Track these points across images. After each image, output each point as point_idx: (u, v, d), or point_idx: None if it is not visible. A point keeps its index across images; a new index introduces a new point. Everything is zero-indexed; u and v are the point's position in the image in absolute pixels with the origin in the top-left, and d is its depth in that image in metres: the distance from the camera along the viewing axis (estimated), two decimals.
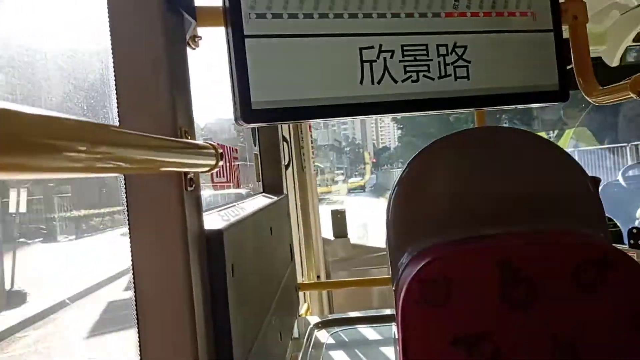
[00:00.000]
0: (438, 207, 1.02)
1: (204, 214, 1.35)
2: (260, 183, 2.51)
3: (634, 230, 2.90)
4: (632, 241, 2.89)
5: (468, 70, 1.32)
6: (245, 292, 1.18)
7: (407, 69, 1.27)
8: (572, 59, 1.52)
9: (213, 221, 1.08)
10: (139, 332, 0.87)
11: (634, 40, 3.53)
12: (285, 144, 2.90)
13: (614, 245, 0.91)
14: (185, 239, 0.86)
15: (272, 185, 2.50)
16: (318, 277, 3.92)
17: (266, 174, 2.52)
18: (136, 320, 0.88)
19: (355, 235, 4.73)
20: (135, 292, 0.87)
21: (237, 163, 1.82)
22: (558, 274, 0.84)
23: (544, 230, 0.95)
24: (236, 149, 1.82)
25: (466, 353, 0.83)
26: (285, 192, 2.58)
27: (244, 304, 1.15)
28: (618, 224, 4.11)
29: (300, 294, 3.58)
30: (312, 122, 2.66)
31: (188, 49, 1.10)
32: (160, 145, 0.72)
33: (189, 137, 0.91)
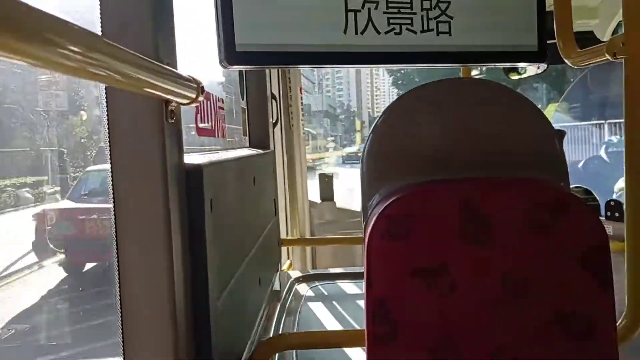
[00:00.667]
0: (408, 154, 1.06)
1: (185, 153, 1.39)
2: (247, 138, 2.54)
3: (611, 203, 2.97)
4: (608, 213, 2.96)
5: (450, 26, 1.35)
6: (223, 229, 1.23)
7: (391, 21, 1.30)
8: (554, 21, 1.55)
9: (194, 159, 1.12)
10: (117, 256, 0.92)
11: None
12: (274, 101, 2.93)
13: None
14: (164, 169, 0.90)
15: (258, 140, 2.54)
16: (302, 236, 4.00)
17: (253, 128, 2.55)
18: (115, 247, 0.92)
19: (342, 200, 4.80)
20: (115, 220, 0.91)
21: (223, 113, 1.84)
22: (513, 215, 0.89)
23: (507, 178, 1.00)
24: (222, 99, 1.84)
25: (424, 284, 0.89)
26: (271, 148, 2.62)
27: (221, 239, 1.20)
28: (597, 197, 4.19)
29: (284, 251, 3.66)
30: (297, 68, 2.64)
31: None
32: (143, 65, 0.75)
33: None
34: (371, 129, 1.12)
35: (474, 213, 0.89)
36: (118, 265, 0.90)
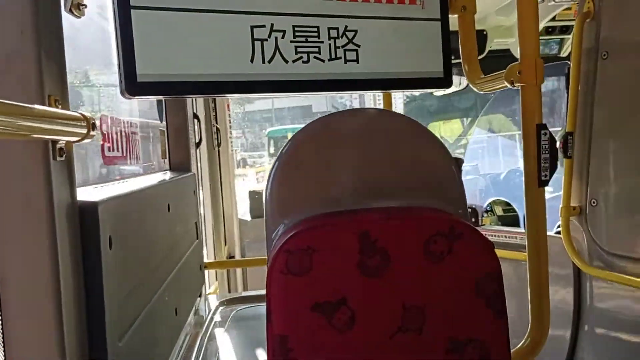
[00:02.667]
0: (311, 184, 1.07)
1: (91, 187, 1.34)
2: (168, 160, 2.49)
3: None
4: None
5: (357, 54, 1.37)
6: (129, 264, 1.18)
7: (298, 49, 1.30)
8: (460, 48, 1.62)
9: (92, 194, 1.08)
10: (1, 315, 0.86)
11: (540, 34, 3.72)
12: (196, 121, 2.88)
13: (468, 221, 1.00)
14: (51, 210, 0.86)
15: (179, 163, 2.48)
16: (232, 256, 3.94)
17: (174, 151, 2.50)
18: None
19: None
20: None
21: (137, 138, 1.79)
22: (410, 245, 0.91)
23: (403, 207, 1.02)
24: (136, 124, 1.79)
25: (324, 318, 0.89)
26: (193, 170, 2.57)
27: (126, 276, 1.16)
28: (516, 209, 4.39)
29: (213, 273, 3.58)
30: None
31: (72, 17, 1.08)
32: (17, 112, 0.72)
33: (60, 106, 0.90)
34: (276, 158, 1.11)
35: (372, 245, 0.90)
36: (1, 318, 0.85)
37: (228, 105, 3.90)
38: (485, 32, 3.74)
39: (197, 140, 2.85)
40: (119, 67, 1.14)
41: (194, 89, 1.22)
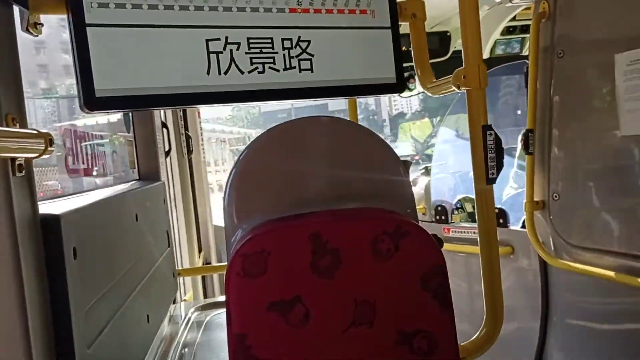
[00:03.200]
0: (268, 190, 1.12)
1: (56, 201, 1.37)
2: (137, 170, 2.51)
3: (496, 210, 3.19)
4: (499, 220, 3.17)
5: (312, 63, 1.42)
6: (95, 274, 1.22)
7: (254, 60, 1.36)
8: (412, 53, 1.68)
9: (55, 207, 1.11)
10: None
11: (501, 34, 3.80)
12: (165, 130, 2.91)
13: (416, 220, 1.06)
14: (12, 224, 0.89)
15: (148, 172, 2.51)
16: (208, 263, 3.96)
17: (142, 160, 2.52)
18: None
19: None
20: None
21: (103, 150, 1.82)
22: (359, 245, 0.97)
23: (352, 208, 1.08)
24: (101, 136, 1.82)
25: (280, 316, 0.94)
26: (162, 179, 2.59)
27: (92, 285, 1.19)
28: None
29: (188, 280, 3.60)
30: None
31: (28, 35, 1.11)
32: None
33: (17, 125, 0.93)
34: (234, 164, 1.16)
35: (323, 246, 0.96)
36: None
37: (199, 113, 3.92)
38: (448, 34, 3.82)
39: (166, 149, 2.88)
40: (77, 83, 1.17)
41: (152, 102, 1.26)
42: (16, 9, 1.03)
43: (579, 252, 2.36)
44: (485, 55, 3.85)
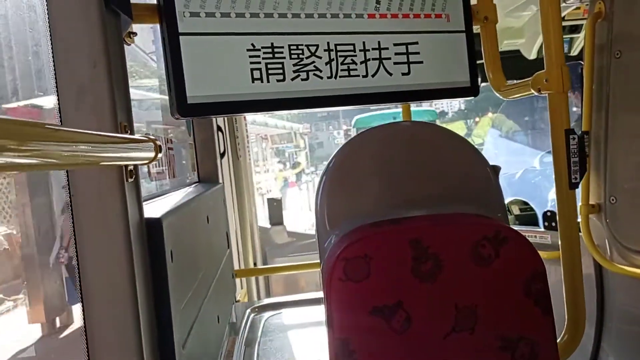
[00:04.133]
0: (361, 194, 1.13)
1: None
2: (196, 172, 2.56)
3: (548, 213, 3.15)
4: (546, 223, 3.13)
5: (388, 67, 1.43)
6: (184, 278, 1.25)
7: (341, 66, 1.37)
8: (483, 56, 1.67)
9: (151, 210, 1.14)
10: (84, 323, 0.93)
11: None
12: (220, 133, 2.96)
13: (508, 225, 1.06)
14: (127, 228, 0.92)
15: (207, 174, 2.55)
16: (255, 264, 4.01)
17: (202, 163, 2.57)
18: (82, 311, 0.93)
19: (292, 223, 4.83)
20: (80, 283, 0.92)
21: (172, 153, 1.86)
22: (459, 250, 0.97)
23: (450, 213, 1.09)
24: (171, 140, 1.86)
25: (383, 320, 0.95)
26: (220, 181, 2.64)
27: (183, 289, 1.22)
28: (534, 208, 4.42)
29: (238, 280, 3.65)
30: (241, 115, 2.66)
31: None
32: (100, 141, 0.79)
33: (129, 132, 0.97)
34: (323, 171, 1.18)
35: (424, 251, 0.96)
36: (85, 326, 0.92)
37: (245, 117, 3.98)
38: None
39: (221, 152, 2.93)
40: (169, 91, 1.21)
41: (239, 107, 1.28)
42: None
43: (637, 257, 2.31)
44: (533, 56, 3.80)
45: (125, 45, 1.18)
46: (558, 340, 1.36)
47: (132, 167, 0.97)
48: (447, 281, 0.96)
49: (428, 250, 0.96)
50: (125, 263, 0.92)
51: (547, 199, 4.48)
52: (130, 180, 0.96)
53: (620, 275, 2.40)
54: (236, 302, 2.73)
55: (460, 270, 0.97)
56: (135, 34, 1.23)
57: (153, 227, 1.04)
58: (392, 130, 1.19)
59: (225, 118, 3.10)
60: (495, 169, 1.16)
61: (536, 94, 1.42)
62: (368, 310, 0.95)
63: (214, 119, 2.72)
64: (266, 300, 3.10)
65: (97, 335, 0.92)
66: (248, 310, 2.65)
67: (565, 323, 1.37)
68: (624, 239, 2.38)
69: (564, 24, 3.67)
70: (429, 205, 1.12)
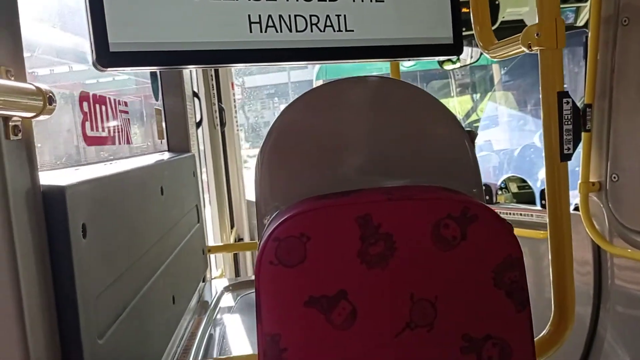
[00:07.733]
0: (307, 162, 0.95)
1: (72, 169, 1.23)
2: (166, 141, 2.38)
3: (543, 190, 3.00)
4: (543, 202, 2.98)
5: (352, 20, 1.23)
6: (108, 257, 1.08)
7: (298, 19, 1.17)
8: (471, 12, 1.48)
9: (63, 177, 0.97)
10: None
11: None
12: (197, 99, 2.77)
13: (480, 201, 0.88)
14: (5, 196, 0.75)
15: (177, 143, 2.38)
16: (241, 239, 3.86)
17: (171, 131, 2.39)
18: None
19: None
20: None
21: (127, 117, 1.68)
22: (418, 230, 0.79)
23: (408, 185, 0.91)
24: (125, 102, 1.67)
25: (321, 313, 0.78)
26: (192, 151, 2.46)
27: (105, 269, 1.06)
28: (531, 186, 4.25)
29: (220, 258, 3.50)
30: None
31: None
32: None
33: (12, 78, 0.78)
34: (267, 132, 0.99)
35: (374, 230, 0.78)
36: None
37: (232, 84, 3.77)
38: (497, 2, 3.57)
39: (197, 120, 2.74)
40: (90, 36, 1.02)
41: (175, 58, 1.09)
42: None
43: (637, 238, 2.19)
44: None
45: None
46: (542, 334, 1.19)
47: (18, 122, 0.79)
48: (401, 267, 0.78)
49: (379, 229, 0.78)
50: (3, 240, 0.75)
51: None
52: (14, 137, 0.78)
53: (619, 257, 2.30)
54: (206, 280, 2.58)
55: (417, 254, 0.79)
56: None
57: (53, 198, 0.86)
58: (348, 86, 1.00)
59: (202, 84, 2.91)
60: (471, 135, 0.98)
61: (527, 51, 1.23)
62: (303, 301, 0.78)
63: (187, 84, 2.53)
64: (242, 278, 2.95)
65: None
66: (222, 288, 2.50)
67: (552, 313, 1.20)
68: (625, 219, 2.25)
69: None
70: (391, 176, 0.94)
